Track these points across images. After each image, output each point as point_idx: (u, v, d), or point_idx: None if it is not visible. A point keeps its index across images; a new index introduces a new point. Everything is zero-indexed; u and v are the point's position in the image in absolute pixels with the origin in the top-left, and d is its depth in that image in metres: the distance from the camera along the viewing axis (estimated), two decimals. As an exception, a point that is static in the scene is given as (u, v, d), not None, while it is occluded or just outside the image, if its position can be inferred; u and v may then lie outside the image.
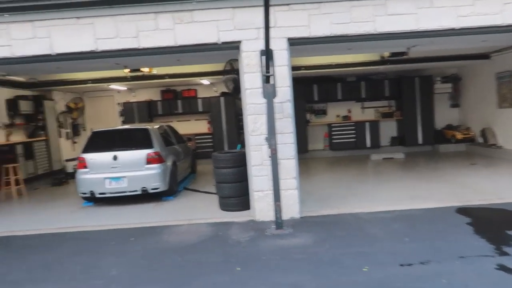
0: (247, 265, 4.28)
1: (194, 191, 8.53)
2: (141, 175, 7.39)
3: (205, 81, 12.04)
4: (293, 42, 5.74)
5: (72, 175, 10.81)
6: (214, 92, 12.94)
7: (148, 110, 12.76)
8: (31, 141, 10.44)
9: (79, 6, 5.65)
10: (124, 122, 12.88)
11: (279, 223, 5.36)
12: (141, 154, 7.47)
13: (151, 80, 10.95)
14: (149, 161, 7.47)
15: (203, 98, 12.82)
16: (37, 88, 11.13)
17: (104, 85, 11.42)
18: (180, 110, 12.85)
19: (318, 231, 5.27)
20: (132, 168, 7.40)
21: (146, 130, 7.82)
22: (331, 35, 5.68)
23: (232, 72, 6.78)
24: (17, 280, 4.28)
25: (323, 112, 13.19)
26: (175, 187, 8.12)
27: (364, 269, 3.96)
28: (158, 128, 8.43)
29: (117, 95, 13.28)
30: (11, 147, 9.53)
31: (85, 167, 7.45)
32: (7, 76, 9.53)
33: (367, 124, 12.66)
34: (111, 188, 7.35)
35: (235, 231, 5.53)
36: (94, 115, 13.48)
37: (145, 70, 9.85)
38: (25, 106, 10.58)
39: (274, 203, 5.39)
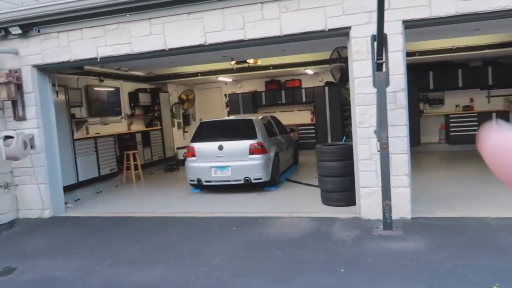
0: (352, 267, 3.98)
1: (296, 182, 8.40)
2: (244, 165, 7.50)
3: (309, 70, 11.78)
4: (410, 25, 5.15)
5: (182, 162, 11.57)
6: (318, 82, 12.62)
7: (252, 101, 13.00)
8: (148, 130, 11.40)
9: (190, 2, 5.83)
10: (229, 113, 13.34)
11: (387, 223, 4.91)
12: (245, 144, 7.57)
13: (256, 71, 11.08)
14: (252, 151, 7.54)
15: (307, 88, 12.60)
16: (154, 81, 12.11)
17: (212, 77, 11.92)
18: (283, 101, 12.83)
19: (434, 235, 4.69)
20: (236, 158, 7.55)
21: (250, 121, 7.90)
22: (457, 14, 4.94)
23: (339, 60, 6.41)
24: (131, 260, 4.63)
25: (440, 102, 11.92)
26: (277, 178, 8.09)
27: (494, 287, 3.38)
28: (262, 119, 8.47)
29: (224, 87, 13.79)
30: (132, 135, 10.52)
31: (193, 155, 7.83)
32: (129, 71, 10.51)
33: (494, 115, 11.05)
34: (216, 176, 7.61)
35: (339, 228, 5.24)
36: (203, 106, 14.23)
37: (250, 61, 9.99)
38: (144, 98, 11.58)
39: (383, 201, 4.94)
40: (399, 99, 5.19)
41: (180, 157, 12.15)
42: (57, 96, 7.66)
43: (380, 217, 5.23)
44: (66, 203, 7.43)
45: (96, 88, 9.83)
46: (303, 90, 12.67)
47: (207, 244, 4.97)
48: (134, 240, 5.35)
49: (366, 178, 5.45)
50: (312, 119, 12.90)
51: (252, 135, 7.64)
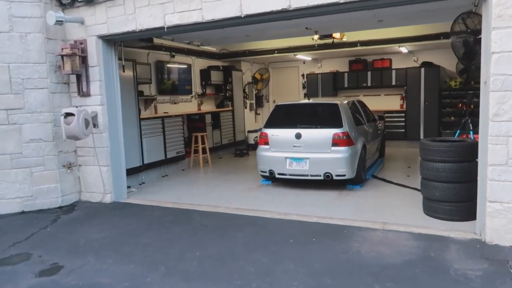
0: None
1: (386, 181, 7.06)
2: (325, 158, 6.34)
3: (404, 48, 10.06)
4: None
5: (253, 147, 10.73)
6: (413, 62, 10.84)
7: (333, 83, 11.62)
8: (218, 111, 10.63)
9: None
10: (306, 95, 12.14)
11: (534, 259, 3.50)
12: (327, 133, 6.39)
13: (340, 49, 9.70)
14: (336, 142, 6.34)
15: (398, 70, 10.86)
16: (227, 58, 11.28)
17: (290, 54, 10.76)
18: (369, 83, 11.24)
19: None
20: (316, 149, 6.42)
21: (335, 105, 6.65)
22: None
23: (463, 32, 4.86)
24: (187, 272, 3.78)
25: None
26: (363, 174, 6.82)
27: None
28: (348, 103, 7.16)
29: (302, 66, 12.55)
30: (201, 116, 9.81)
31: (266, 143, 6.83)
32: (201, 47, 9.74)
33: None
34: (291, 169, 6.55)
35: (456, 254, 3.93)
36: (277, 87, 13.17)
37: (337, 36, 8.63)
38: (215, 77, 10.80)
39: (527, 227, 3.53)
40: (561, 85, 3.65)
41: (251, 141, 11.34)
42: (124, 71, 7.07)
43: (515, 244, 3.87)
44: (129, 187, 6.92)
45: (167, 64, 9.22)
46: (393, 72, 10.95)
47: (280, 259, 3.97)
48: (194, 243, 4.52)
49: (498, 190, 4.03)
50: (401, 106, 11.21)
51: (337, 123, 6.42)
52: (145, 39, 7.03)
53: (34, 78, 5.97)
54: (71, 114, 5.75)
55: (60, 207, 6.19)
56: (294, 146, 6.56)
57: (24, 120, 5.95)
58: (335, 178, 6.34)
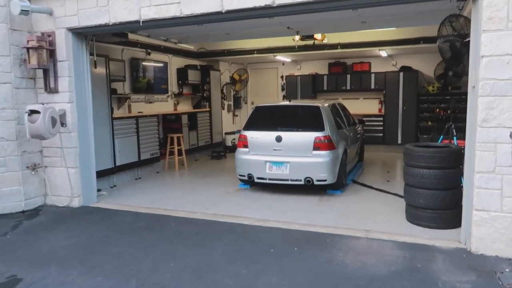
0: None
1: (366, 186, 6.93)
2: (306, 162, 6.15)
3: (384, 52, 10.03)
4: None
5: (230, 149, 10.48)
6: (392, 66, 10.84)
7: (312, 85, 11.49)
8: (195, 111, 10.30)
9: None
10: (285, 97, 11.98)
11: (523, 270, 3.40)
12: (309, 137, 6.20)
13: (320, 51, 9.57)
14: (317, 146, 6.16)
15: (378, 73, 10.82)
16: (205, 57, 10.97)
17: (270, 55, 10.56)
18: (348, 87, 11.16)
19: None
20: (296, 153, 6.22)
21: (317, 108, 6.47)
22: None
23: (451, 36, 4.76)
24: (161, 284, 3.48)
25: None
26: (344, 179, 6.68)
27: None
28: (329, 106, 7.00)
29: (281, 68, 12.37)
30: (178, 116, 9.46)
31: (245, 146, 6.58)
32: (179, 44, 9.41)
33: None
34: (271, 174, 6.32)
35: (442, 265, 3.79)
36: (256, 88, 12.95)
37: (318, 37, 8.48)
38: (193, 76, 10.47)
39: (516, 237, 3.43)
40: (550, 91, 3.58)
41: (228, 143, 11.08)
42: (95, 68, 6.67)
43: (502, 254, 3.84)
44: (99, 190, 6.52)
45: (142, 62, 8.84)
46: (372, 75, 10.90)
47: (261, 271, 3.73)
48: (169, 253, 4.22)
49: (485, 199, 3.92)
50: (380, 110, 11.19)
51: (319, 126, 6.24)
52: (119, 34, 6.69)
53: (-4, 71, 5.52)
54: (37, 112, 5.34)
55: (23, 212, 5.75)
56: (274, 150, 6.33)
57: (-16, 117, 5.49)
58: (316, 183, 6.15)
